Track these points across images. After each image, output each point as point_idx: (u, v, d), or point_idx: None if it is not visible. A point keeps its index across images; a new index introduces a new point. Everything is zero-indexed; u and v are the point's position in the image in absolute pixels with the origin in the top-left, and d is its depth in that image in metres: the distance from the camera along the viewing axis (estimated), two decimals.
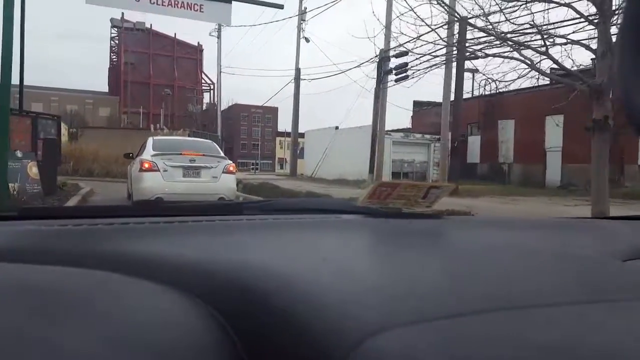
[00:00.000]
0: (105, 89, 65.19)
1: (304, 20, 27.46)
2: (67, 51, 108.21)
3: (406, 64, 17.18)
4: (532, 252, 0.76)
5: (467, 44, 7.73)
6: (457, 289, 0.50)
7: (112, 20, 55.91)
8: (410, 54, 16.47)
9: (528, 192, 16.01)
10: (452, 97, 16.71)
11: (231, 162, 7.75)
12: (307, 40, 27.85)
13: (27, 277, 0.50)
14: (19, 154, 7.11)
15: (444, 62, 15.37)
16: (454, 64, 15.72)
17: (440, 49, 14.88)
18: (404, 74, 17.27)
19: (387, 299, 0.45)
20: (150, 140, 7.79)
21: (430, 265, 0.63)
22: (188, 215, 0.96)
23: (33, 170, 7.09)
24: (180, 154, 7.26)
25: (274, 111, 72.39)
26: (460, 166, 17.05)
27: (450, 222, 1.06)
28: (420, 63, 16.29)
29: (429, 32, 8.06)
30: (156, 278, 0.52)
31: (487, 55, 5.86)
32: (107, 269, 0.53)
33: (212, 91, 61.69)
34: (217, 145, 8.29)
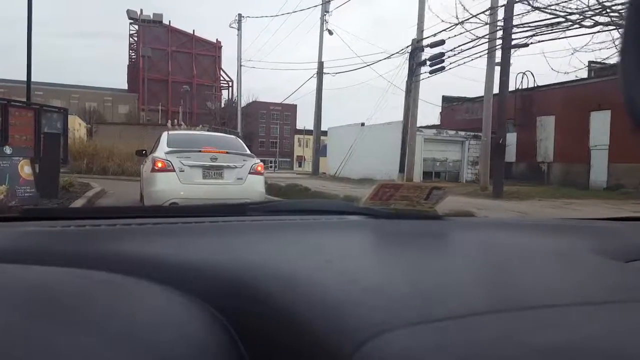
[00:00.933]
0: (125, 86, 65.07)
1: (328, 12, 26.24)
2: (88, 49, 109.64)
3: (442, 53, 15.90)
4: (534, 253, 0.77)
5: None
6: (460, 290, 0.50)
7: (128, 12, 54.64)
8: (447, 42, 15.23)
9: (578, 195, 14.54)
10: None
11: (259, 161, 6.53)
12: (330, 32, 26.68)
13: (29, 278, 0.50)
14: (7, 150, 5.98)
15: (498, 47, 14.04)
16: (498, 52, 14.38)
17: (486, 35, 13.50)
18: (440, 65, 15.98)
19: (390, 300, 0.45)
20: (164, 135, 6.54)
21: (432, 267, 0.63)
22: (191, 216, 0.96)
23: (25, 169, 5.88)
24: (200, 151, 5.94)
25: (292, 108, 71.78)
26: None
27: (453, 223, 1.03)
28: (460, 52, 15.01)
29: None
30: (158, 279, 0.52)
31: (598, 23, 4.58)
32: (109, 270, 0.53)
33: (230, 88, 61.04)
34: (241, 141, 7.06)
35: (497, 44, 14.12)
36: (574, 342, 0.36)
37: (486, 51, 14.46)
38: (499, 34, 13.79)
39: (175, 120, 24.15)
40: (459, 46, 14.80)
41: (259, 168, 6.35)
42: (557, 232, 1.02)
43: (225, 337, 0.44)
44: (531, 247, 0.82)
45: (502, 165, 13.58)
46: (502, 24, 13.37)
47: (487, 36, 14.07)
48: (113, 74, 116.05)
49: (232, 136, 7.62)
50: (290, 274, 0.52)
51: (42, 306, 0.42)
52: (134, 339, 0.40)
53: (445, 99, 26.92)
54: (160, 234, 0.77)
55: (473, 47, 14.47)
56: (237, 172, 6.14)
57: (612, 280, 0.59)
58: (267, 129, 70.67)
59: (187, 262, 0.57)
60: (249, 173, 6.18)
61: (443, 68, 15.76)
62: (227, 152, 6.14)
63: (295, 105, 73.20)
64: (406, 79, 17.29)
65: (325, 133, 29.68)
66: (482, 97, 24.65)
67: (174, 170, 5.79)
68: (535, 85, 22.10)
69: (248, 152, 6.54)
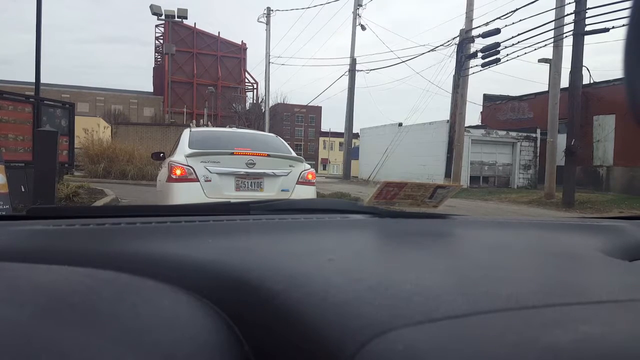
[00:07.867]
0: (150, 89, 64.68)
1: (361, 5, 24.63)
2: (117, 54, 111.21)
3: (498, 44, 14.11)
4: (538, 252, 0.76)
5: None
6: (464, 289, 0.50)
7: (152, 7, 53.53)
8: (502, 32, 13.45)
9: None
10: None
11: (310, 167, 4.95)
12: (363, 27, 25.06)
13: (35, 277, 0.50)
14: None
15: (568, 33, 12.21)
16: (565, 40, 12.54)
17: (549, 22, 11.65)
18: (494, 57, 14.19)
19: (394, 299, 0.45)
20: (186, 133, 5.02)
21: (436, 265, 0.64)
22: (195, 215, 0.96)
23: None
24: (232, 153, 4.51)
25: (317, 110, 70.38)
26: (544, 170, 13.82)
27: (457, 222, 1.03)
28: (518, 42, 13.20)
29: None
30: (163, 278, 0.52)
31: None
32: (114, 269, 0.54)
33: (255, 91, 59.96)
34: (283, 141, 5.49)
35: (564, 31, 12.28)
36: (578, 341, 0.35)
37: (552, 39, 12.61)
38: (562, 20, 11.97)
39: (201, 121, 22.85)
40: (518, 35, 13.03)
41: (310, 176, 4.74)
42: (561, 231, 1.00)
43: (230, 336, 0.44)
44: (536, 246, 0.83)
45: (574, 171, 11.74)
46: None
47: (554, 21, 12.24)
48: (140, 78, 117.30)
49: (272, 135, 6.02)
50: (294, 273, 0.52)
51: (48, 305, 0.42)
52: (139, 338, 0.39)
53: (487, 98, 24.94)
54: (165, 233, 0.75)
55: (535, 35, 12.71)
56: (282, 181, 4.58)
57: (617, 279, 0.58)
58: (292, 131, 69.52)
59: (192, 261, 0.57)
60: (297, 183, 4.61)
61: (498, 60, 13.98)
62: (268, 155, 4.58)
63: (320, 108, 71.87)
64: (453, 73, 15.56)
65: (356, 135, 28.04)
66: (530, 94, 22.74)
67: (197, 180, 4.28)
68: (592, 81, 19.98)
69: (294, 154, 4.95)
